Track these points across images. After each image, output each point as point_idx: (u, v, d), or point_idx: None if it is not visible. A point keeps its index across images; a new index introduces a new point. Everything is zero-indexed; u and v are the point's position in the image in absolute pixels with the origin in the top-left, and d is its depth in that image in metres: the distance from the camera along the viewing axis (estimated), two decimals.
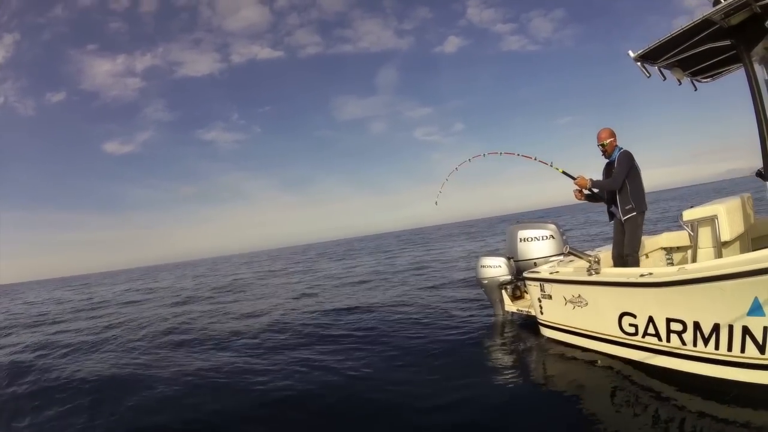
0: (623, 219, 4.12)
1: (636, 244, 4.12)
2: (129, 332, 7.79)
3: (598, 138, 4.28)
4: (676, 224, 4.35)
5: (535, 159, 4.77)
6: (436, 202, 5.50)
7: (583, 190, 4.38)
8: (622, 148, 4.22)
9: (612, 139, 4.25)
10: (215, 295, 13.33)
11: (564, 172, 4.57)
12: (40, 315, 13.63)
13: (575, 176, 4.34)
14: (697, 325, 2.90)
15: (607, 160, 4.34)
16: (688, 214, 3.92)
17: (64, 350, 6.72)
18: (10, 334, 9.77)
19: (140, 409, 3.77)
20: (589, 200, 4.54)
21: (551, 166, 4.67)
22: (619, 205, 4.16)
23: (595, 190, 4.44)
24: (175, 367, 4.98)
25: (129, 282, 28.50)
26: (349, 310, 7.36)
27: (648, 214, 4.28)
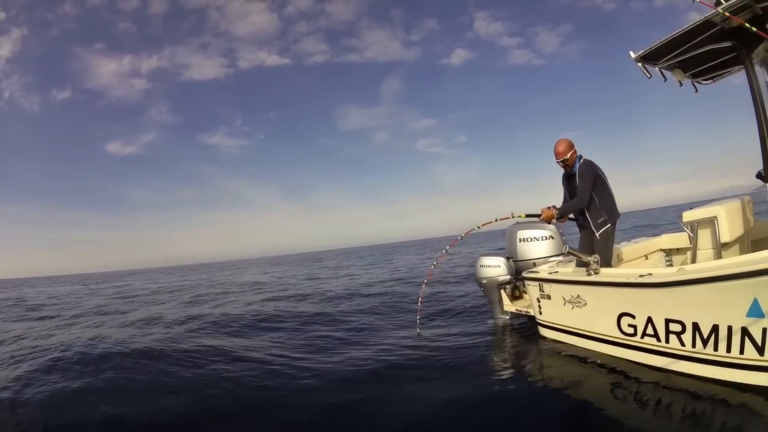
0: (597, 233, 3.97)
1: (609, 256, 4.02)
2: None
3: (556, 154, 3.99)
4: (676, 226, 4.34)
5: (496, 220, 4.78)
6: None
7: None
8: (582, 157, 4.02)
9: (572, 151, 3.97)
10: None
11: (527, 215, 4.48)
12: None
13: (539, 213, 4.16)
14: (696, 326, 2.90)
15: (567, 173, 4.13)
16: (688, 216, 3.92)
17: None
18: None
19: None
20: (562, 219, 4.32)
21: (512, 216, 4.63)
22: (590, 220, 3.98)
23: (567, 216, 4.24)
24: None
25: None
26: (338, 309, 7.34)
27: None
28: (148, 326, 7.36)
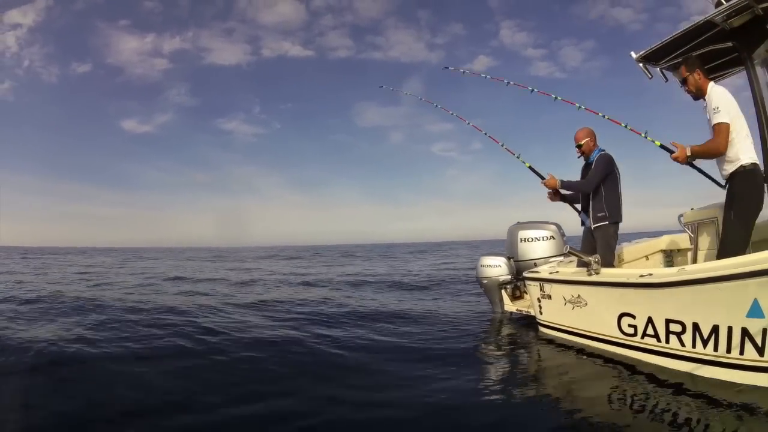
0: (593, 226, 3.98)
1: (609, 258, 3.97)
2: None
3: (575, 138, 4.13)
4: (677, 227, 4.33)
5: (502, 145, 4.68)
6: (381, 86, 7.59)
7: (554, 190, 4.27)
8: (602, 150, 4.08)
9: (589, 139, 4.08)
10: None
11: (531, 168, 4.43)
12: None
13: (544, 175, 4.24)
14: (696, 327, 2.91)
15: (585, 162, 4.20)
16: (689, 216, 3.92)
17: None
18: None
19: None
20: (565, 201, 4.40)
21: (518, 157, 4.59)
22: (591, 212, 3.99)
23: (566, 192, 4.28)
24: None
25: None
26: (339, 307, 7.33)
27: None
28: None
